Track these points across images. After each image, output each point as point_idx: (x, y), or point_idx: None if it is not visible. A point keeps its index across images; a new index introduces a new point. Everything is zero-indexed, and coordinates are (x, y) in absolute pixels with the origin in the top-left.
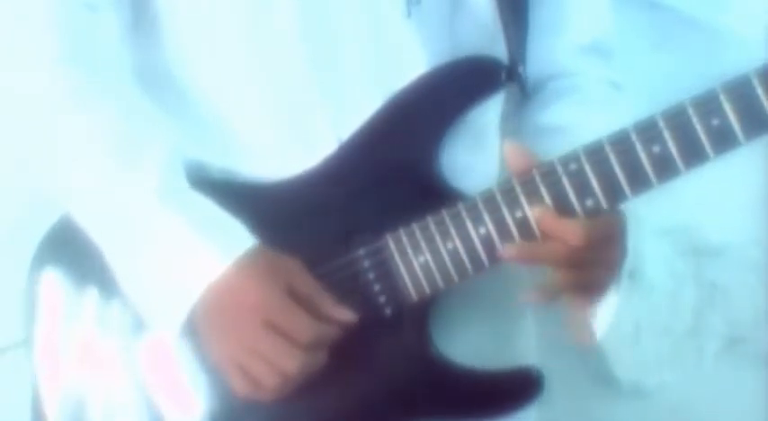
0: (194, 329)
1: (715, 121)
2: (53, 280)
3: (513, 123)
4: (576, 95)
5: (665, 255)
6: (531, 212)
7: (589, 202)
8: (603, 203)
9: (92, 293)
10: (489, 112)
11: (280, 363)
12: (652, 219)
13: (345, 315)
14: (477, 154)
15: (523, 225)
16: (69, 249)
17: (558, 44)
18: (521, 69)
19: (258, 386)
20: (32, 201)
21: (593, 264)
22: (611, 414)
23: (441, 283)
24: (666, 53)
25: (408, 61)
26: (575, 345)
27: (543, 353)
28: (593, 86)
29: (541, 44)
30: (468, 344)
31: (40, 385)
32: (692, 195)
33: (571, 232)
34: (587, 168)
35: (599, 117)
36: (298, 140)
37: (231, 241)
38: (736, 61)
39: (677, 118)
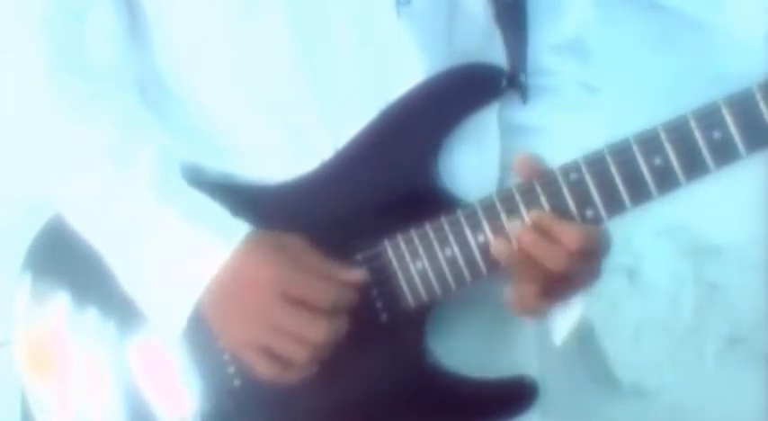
0: (200, 323)
1: (717, 134)
2: (42, 281)
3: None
4: (552, 97)
5: (665, 255)
6: (529, 216)
7: (589, 213)
8: (603, 214)
9: (82, 295)
10: (489, 114)
11: (306, 334)
12: (652, 218)
13: (358, 275)
14: (477, 155)
15: None
16: (59, 250)
17: (532, 41)
18: (522, 77)
19: (287, 363)
20: (35, 201)
21: (574, 275)
22: (611, 414)
23: (438, 290)
24: (666, 54)
25: (404, 64)
26: (575, 346)
27: (543, 353)
28: (570, 89)
29: None
30: (466, 352)
31: (26, 389)
32: (691, 195)
33: (569, 234)
34: (588, 178)
35: (574, 121)
36: (292, 143)
37: (230, 229)
38: (735, 62)
39: (679, 130)
